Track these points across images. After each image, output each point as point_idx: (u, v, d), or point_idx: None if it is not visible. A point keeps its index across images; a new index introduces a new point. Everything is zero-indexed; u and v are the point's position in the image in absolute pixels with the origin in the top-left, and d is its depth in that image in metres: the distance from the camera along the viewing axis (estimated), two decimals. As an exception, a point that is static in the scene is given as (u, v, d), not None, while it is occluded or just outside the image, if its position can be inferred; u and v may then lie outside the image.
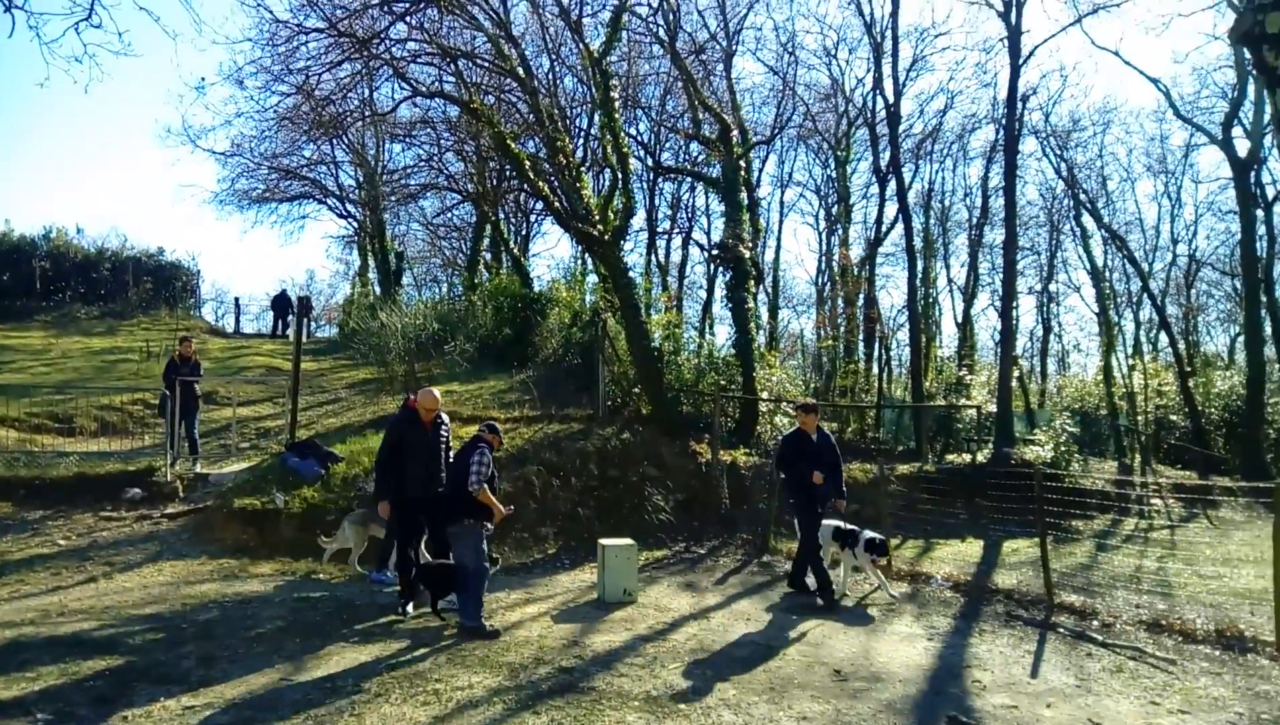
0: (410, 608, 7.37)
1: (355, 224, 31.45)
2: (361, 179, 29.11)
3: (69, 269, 26.50)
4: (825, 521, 8.87)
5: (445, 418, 7.92)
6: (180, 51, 40.39)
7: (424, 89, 16.46)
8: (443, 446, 7.67)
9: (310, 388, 16.69)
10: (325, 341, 28.03)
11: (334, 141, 25.66)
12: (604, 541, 8.49)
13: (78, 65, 39.14)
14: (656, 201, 32.49)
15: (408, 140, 26.05)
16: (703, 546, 11.13)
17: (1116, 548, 11.99)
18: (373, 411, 14.33)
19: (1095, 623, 7.73)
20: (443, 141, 24.62)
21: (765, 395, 16.15)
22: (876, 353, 30.76)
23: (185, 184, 40.37)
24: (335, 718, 4.85)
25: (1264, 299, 20.96)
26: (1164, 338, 29.96)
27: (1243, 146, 20.13)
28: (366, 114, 19.81)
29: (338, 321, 31.46)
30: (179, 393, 11.65)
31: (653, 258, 33.36)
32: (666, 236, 34.74)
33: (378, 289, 29.52)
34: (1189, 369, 25.23)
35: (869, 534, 8.76)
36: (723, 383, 15.87)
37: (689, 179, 29.04)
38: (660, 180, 30.82)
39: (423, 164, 26.75)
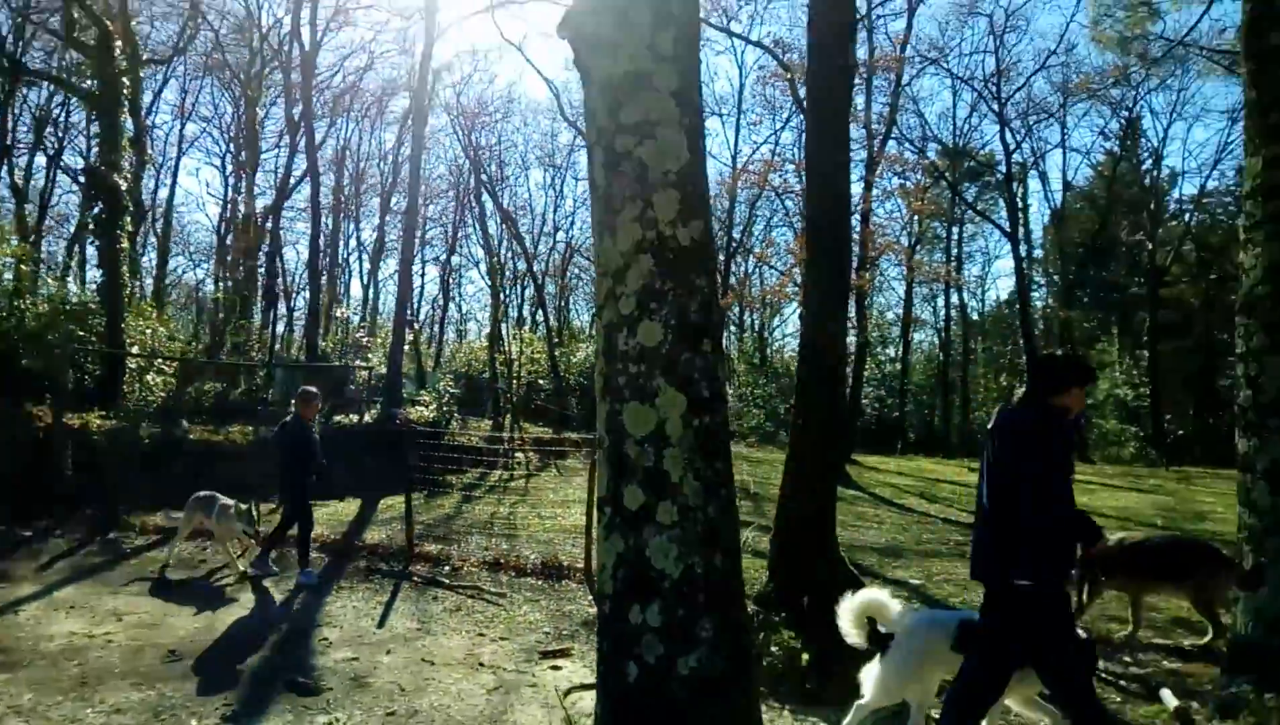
0: None
1: None
2: None
3: None
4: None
5: None
6: None
7: None
8: None
9: None
10: None
11: None
12: None
13: None
14: (18, 111, 26.56)
15: None
16: (29, 528, 9.43)
17: (480, 498, 13.26)
18: None
19: (447, 568, 8.45)
20: None
21: (135, 350, 14.26)
22: (279, 310, 29.62)
23: None
24: None
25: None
26: (541, 312, 34.43)
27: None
28: None
29: None
30: None
31: (7, 176, 27.23)
32: (28, 153, 28.64)
33: None
34: (558, 340, 29.37)
35: None
36: (80, 333, 13.60)
37: (60, 89, 24.23)
38: (22, 85, 25.14)
39: None
